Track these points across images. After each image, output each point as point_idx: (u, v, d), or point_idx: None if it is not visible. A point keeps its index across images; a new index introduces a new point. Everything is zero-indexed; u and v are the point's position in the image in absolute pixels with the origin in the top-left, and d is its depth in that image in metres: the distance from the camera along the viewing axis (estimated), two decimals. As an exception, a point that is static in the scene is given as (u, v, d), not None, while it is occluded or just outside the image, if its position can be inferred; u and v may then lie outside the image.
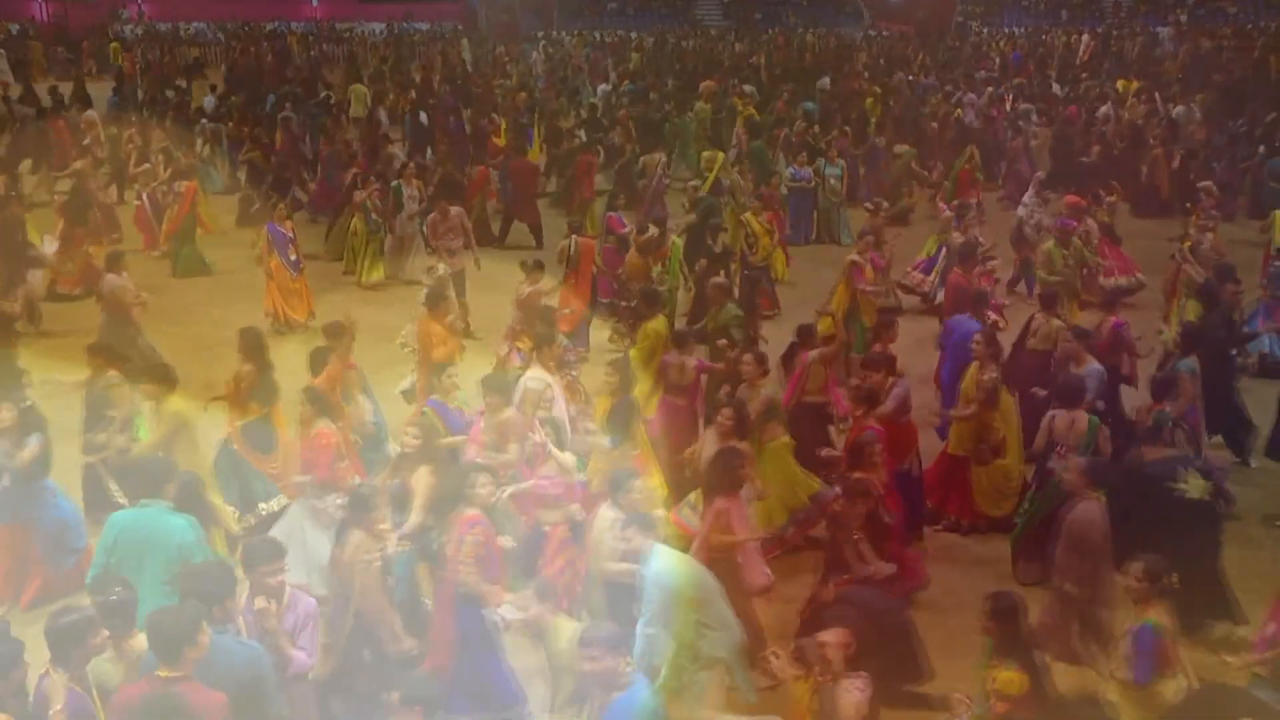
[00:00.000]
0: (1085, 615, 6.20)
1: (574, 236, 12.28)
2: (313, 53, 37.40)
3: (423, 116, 21.78)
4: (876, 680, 4.78)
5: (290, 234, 12.81)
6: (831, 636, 4.79)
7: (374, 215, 14.36)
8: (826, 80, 26.82)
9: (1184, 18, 42.85)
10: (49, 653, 4.58)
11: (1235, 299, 9.82)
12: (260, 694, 4.75)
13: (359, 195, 14.43)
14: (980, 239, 12.34)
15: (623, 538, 5.70)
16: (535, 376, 7.83)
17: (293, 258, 12.65)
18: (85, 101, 23.66)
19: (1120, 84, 25.78)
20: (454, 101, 23.99)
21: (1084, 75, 28.16)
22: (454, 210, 13.39)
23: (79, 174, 15.15)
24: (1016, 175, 18.87)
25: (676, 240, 12.21)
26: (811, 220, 16.60)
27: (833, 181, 16.72)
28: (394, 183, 14.92)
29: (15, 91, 24.46)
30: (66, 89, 24.72)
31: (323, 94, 24.81)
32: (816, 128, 19.95)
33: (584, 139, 19.13)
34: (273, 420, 8.11)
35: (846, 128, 19.77)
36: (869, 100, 23.68)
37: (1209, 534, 6.71)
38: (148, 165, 15.91)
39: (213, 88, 25.67)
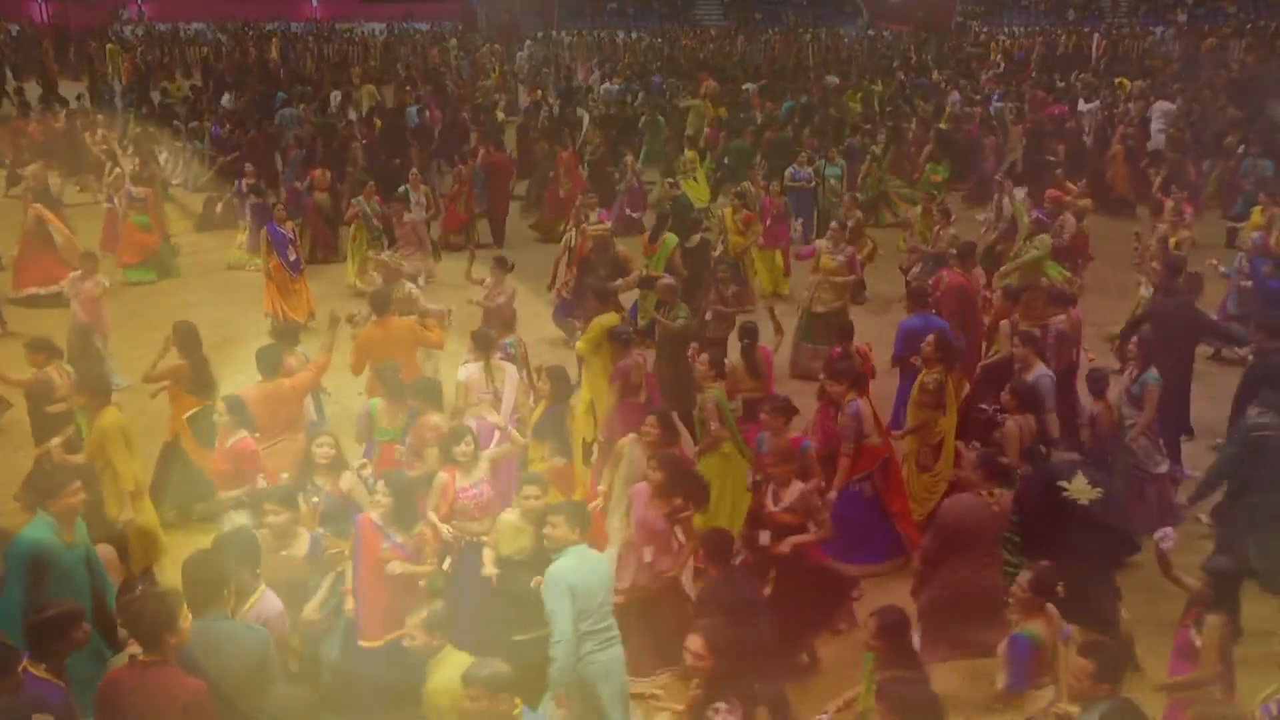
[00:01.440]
0: (922, 599, 6.29)
1: (575, 227, 12.35)
2: (294, 52, 37.29)
3: (412, 115, 21.76)
4: (749, 691, 4.65)
5: (290, 235, 12.81)
6: (693, 644, 4.69)
7: (375, 221, 14.06)
8: (835, 79, 26.88)
9: (1184, 18, 42.88)
10: (28, 647, 4.61)
11: (1198, 289, 9.80)
12: (265, 676, 4.82)
13: (355, 204, 14.19)
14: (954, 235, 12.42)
15: (550, 524, 5.56)
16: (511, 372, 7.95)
17: (292, 258, 12.63)
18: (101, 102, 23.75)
19: (1122, 82, 25.79)
20: (432, 100, 23.94)
21: (1080, 74, 28.20)
22: (408, 216, 13.30)
23: (35, 175, 14.55)
24: (980, 173, 18.94)
25: (670, 237, 12.22)
26: (812, 220, 16.61)
27: (833, 181, 16.76)
28: (401, 188, 14.68)
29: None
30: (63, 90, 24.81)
31: (332, 94, 24.80)
32: (789, 129, 19.97)
33: (551, 137, 19.03)
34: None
35: (827, 127, 19.88)
36: (853, 94, 23.79)
37: (1098, 541, 6.54)
38: (119, 170, 15.53)
39: (228, 87, 25.60)
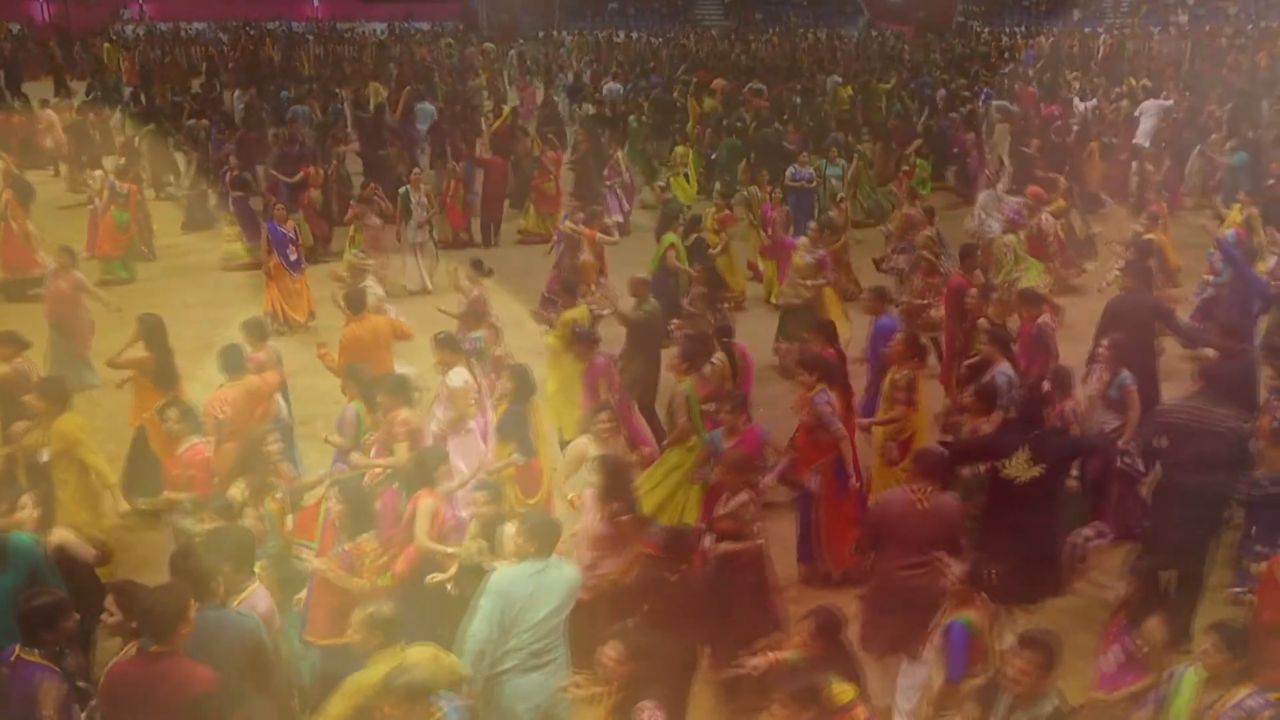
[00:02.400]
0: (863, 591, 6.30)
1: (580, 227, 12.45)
2: (292, 51, 37.23)
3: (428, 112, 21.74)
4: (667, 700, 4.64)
5: (291, 234, 12.80)
6: (610, 652, 4.66)
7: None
8: (838, 79, 26.89)
9: (1184, 18, 42.89)
10: (21, 635, 4.69)
11: (1148, 283, 9.76)
12: (262, 660, 4.92)
13: (355, 205, 14.11)
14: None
15: (516, 535, 5.47)
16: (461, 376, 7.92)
17: (293, 258, 12.63)
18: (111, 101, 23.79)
19: (1130, 81, 25.74)
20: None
21: (1075, 74, 28.22)
22: (371, 220, 13.17)
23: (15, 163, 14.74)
24: (965, 171, 18.95)
25: (668, 237, 12.19)
26: (813, 219, 16.59)
27: (833, 181, 16.74)
28: (401, 189, 14.51)
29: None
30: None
31: (336, 91, 24.79)
32: (776, 126, 20.02)
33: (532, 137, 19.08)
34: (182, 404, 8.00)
35: (812, 125, 20.09)
36: (844, 89, 23.84)
37: (1037, 518, 6.56)
38: (100, 172, 15.36)
39: (238, 88, 25.57)
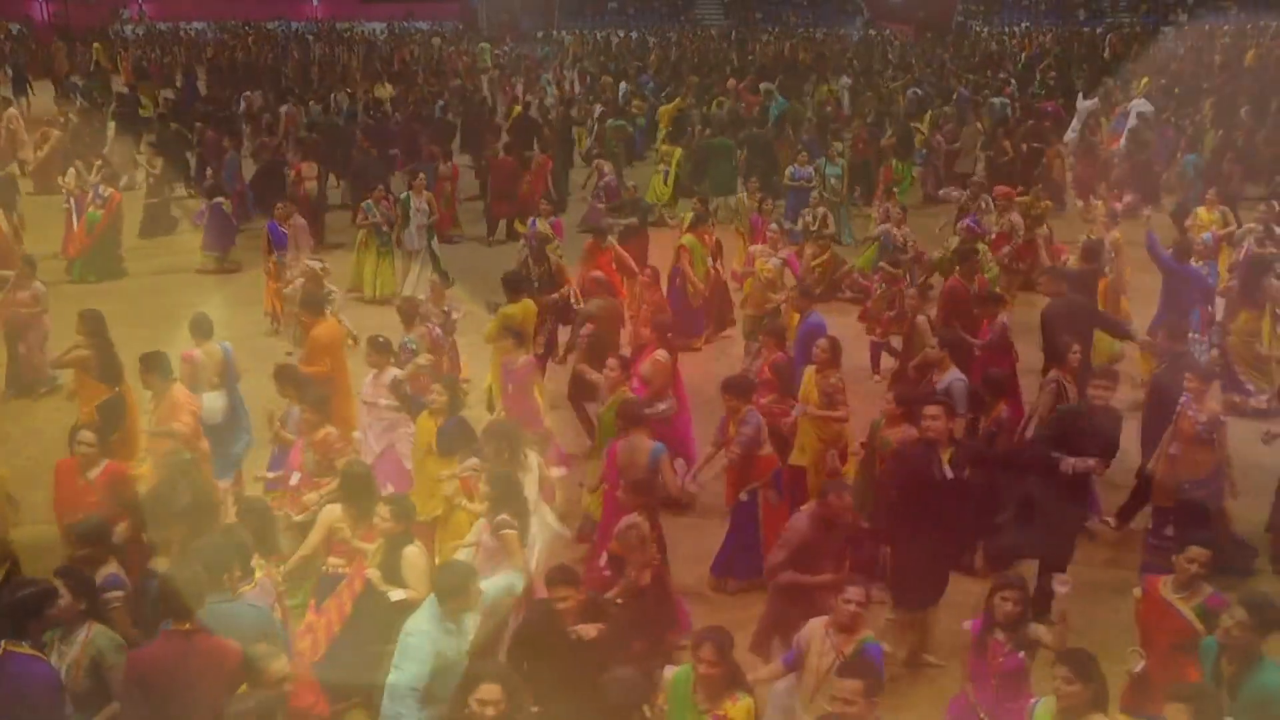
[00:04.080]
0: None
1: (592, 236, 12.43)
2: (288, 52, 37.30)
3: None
4: None
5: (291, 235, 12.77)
6: (488, 694, 4.35)
7: (384, 228, 13.75)
8: (847, 80, 26.90)
9: (1184, 17, 42.88)
10: (8, 628, 4.69)
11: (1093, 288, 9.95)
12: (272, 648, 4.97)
13: (364, 209, 13.91)
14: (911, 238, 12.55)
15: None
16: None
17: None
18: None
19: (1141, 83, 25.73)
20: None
21: (1052, 74, 28.31)
22: (296, 220, 12.89)
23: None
24: (934, 172, 19.04)
25: (684, 238, 12.17)
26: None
27: (833, 181, 16.68)
28: (403, 194, 14.27)
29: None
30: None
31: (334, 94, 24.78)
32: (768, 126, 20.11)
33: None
34: (125, 399, 7.96)
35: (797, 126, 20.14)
36: (829, 90, 24.10)
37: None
38: (73, 170, 15.12)
39: (246, 88, 25.54)
